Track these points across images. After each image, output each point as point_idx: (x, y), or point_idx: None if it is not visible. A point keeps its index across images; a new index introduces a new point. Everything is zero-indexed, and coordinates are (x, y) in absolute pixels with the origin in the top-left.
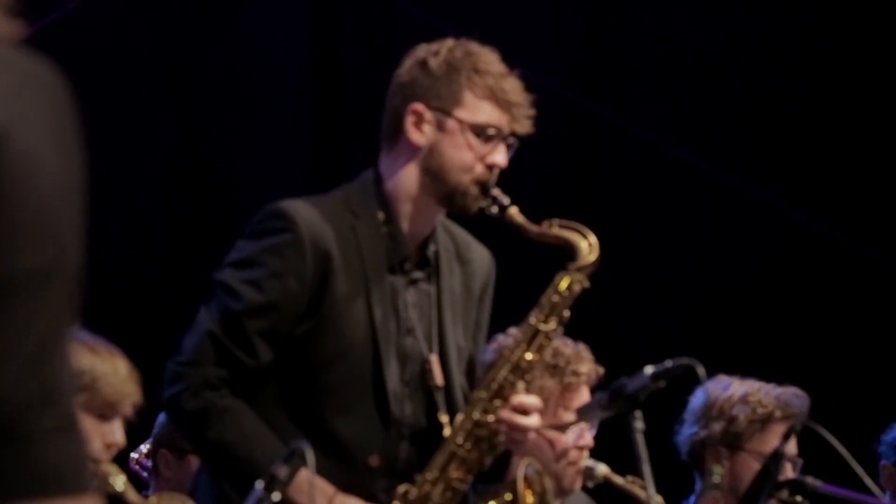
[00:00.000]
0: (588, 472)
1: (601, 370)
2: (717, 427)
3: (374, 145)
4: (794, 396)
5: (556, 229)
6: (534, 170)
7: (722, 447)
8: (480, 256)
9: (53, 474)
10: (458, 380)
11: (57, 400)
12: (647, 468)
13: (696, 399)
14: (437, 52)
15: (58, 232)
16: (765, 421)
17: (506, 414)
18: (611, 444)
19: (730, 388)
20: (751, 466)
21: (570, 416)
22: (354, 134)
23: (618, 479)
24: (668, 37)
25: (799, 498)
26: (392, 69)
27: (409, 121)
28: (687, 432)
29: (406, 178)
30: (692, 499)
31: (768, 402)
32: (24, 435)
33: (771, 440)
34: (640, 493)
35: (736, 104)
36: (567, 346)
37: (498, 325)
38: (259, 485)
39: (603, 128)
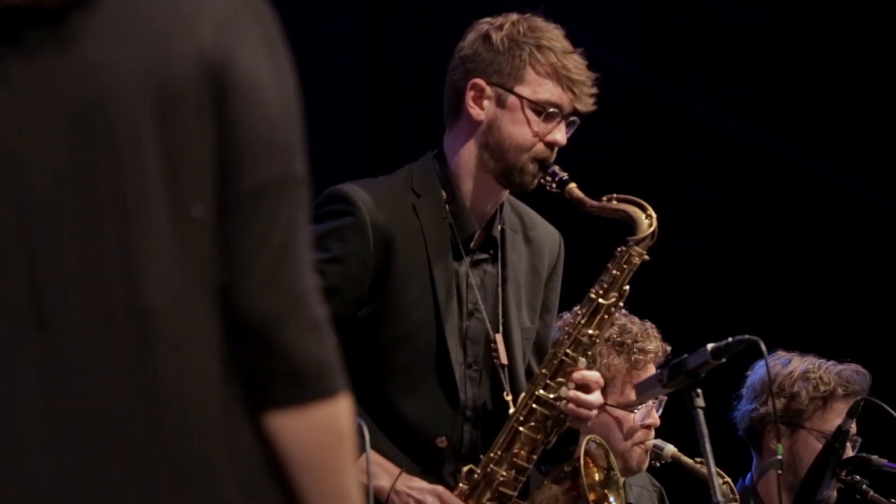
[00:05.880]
0: (656, 452)
1: (668, 348)
2: (778, 404)
3: (426, 121)
4: (855, 373)
5: (614, 203)
6: (589, 145)
7: (781, 424)
8: (549, 236)
9: (307, 378)
10: (522, 360)
11: (300, 304)
12: (707, 445)
13: (755, 375)
14: (500, 26)
15: (285, 144)
16: (826, 398)
17: (571, 392)
18: (670, 421)
19: (790, 365)
20: (810, 444)
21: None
22: (407, 110)
23: (686, 460)
24: (725, 10)
25: (858, 478)
26: (445, 43)
27: (470, 96)
28: (745, 408)
29: (466, 155)
30: (749, 476)
31: (829, 379)
32: (273, 343)
33: (831, 418)
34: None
35: (794, 77)
36: (634, 324)
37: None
38: None
39: (660, 102)
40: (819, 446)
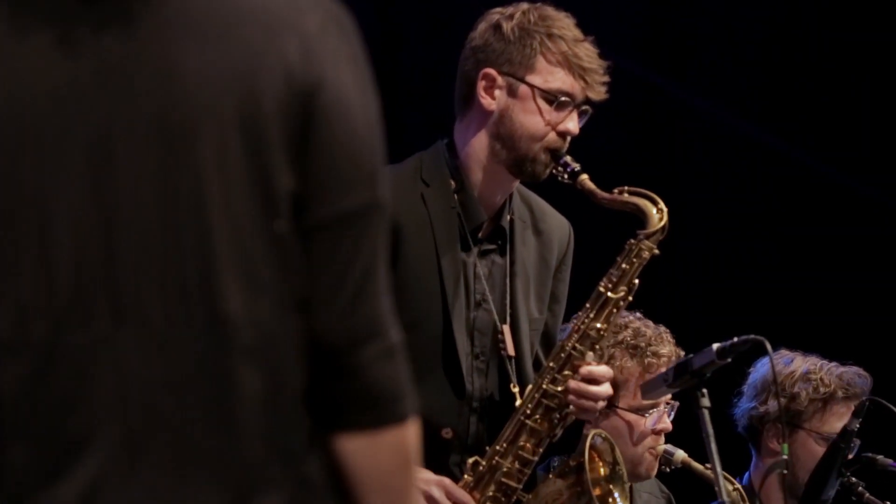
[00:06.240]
0: (666, 457)
1: (682, 353)
2: (777, 403)
3: (432, 118)
4: (856, 376)
5: (626, 196)
6: (591, 143)
7: (780, 424)
8: (558, 226)
9: (380, 403)
10: (529, 351)
11: (378, 331)
12: (713, 445)
13: (757, 373)
14: (510, 15)
15: (372, 169)
16: (826, 400)
17: (574, 383)
18: (680, 426)
19: (792, 365)
20: (808, 445)
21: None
22: (413, 108)
23: (696, 466)
24: (730, 7)
25: (854, 479)
26: (452, 42)
27: (481, 86)
28: (745, 406)
29: (477, 145)
30: (747, 475)
31: (830, 381)
32: (351, 369)
33: (830, 420)
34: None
35: (799, 75)
36: (648, 328)
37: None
38: None
39: (665, 99)
40: (817, 447)
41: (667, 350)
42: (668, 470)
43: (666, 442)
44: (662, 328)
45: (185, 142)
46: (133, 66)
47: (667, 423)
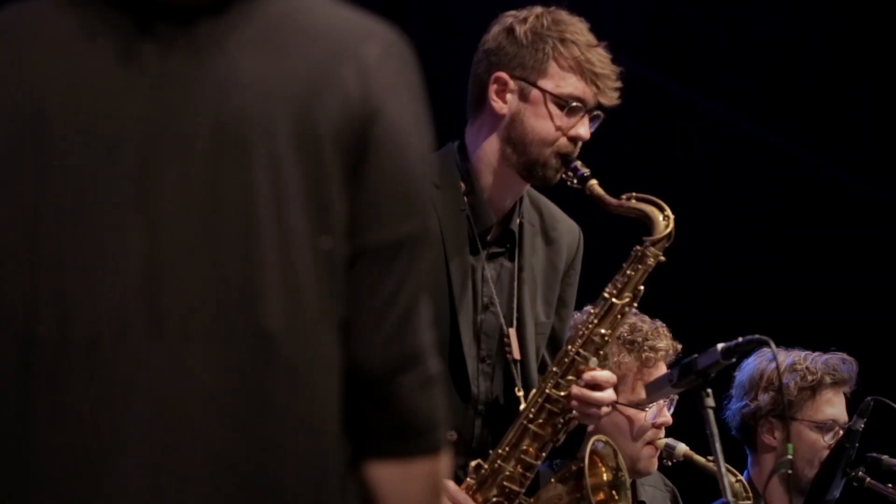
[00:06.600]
0: (668, 451)
1: (679, 346)
2: (767, 398)
3: (438, 119)
4: (841, 362)
5: (633, 202)
6: (596, 140)
7: (773, 418)
8: (568, 230)
9: (415, 433)
10: (535, 355)
11: (418, 361)
12: (718, 445)
13: (744, 373)
14: (524, 19)
15: (423, 198)
16: (815, 388)
17: (578, 389)
18: (681, 420)
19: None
20: (804, 435)
21: None
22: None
23: (698, 459)
24: (735, 9)
25: (860, 473)
26: (457, 42)
27: (493, 89)
28: (736, 406)
29: (488, 149)
30: (745, 473)
31: (816, 369)
32: (389, 397)
33: (821, 407)
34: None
35: (805, 77)
36: (645, 323)
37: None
38: None
39: (665, 98)
40: (812, 436)
41: (664, 344)
42: (669, 464)
43: (667, 436)
44: (659, 322)
45: (238, 153)
46: (192, 75)
47: (667, 417)
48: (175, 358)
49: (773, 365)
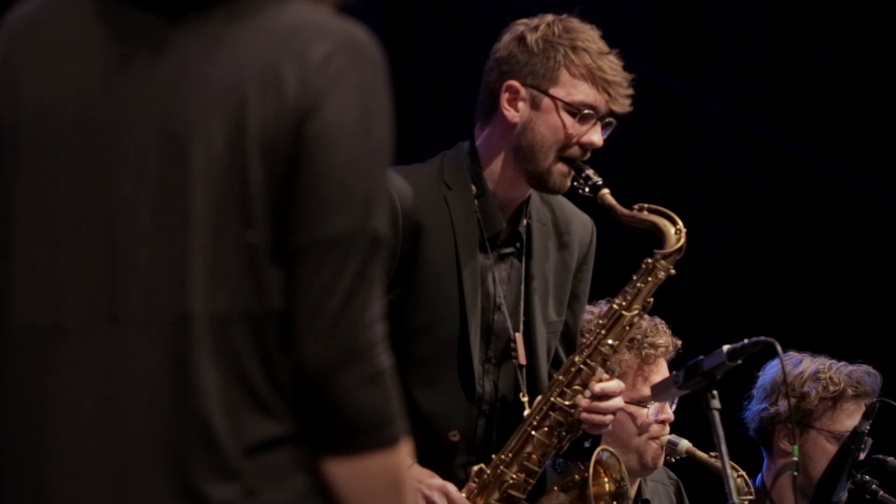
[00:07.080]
0: (671, 447)
1: (679, 343)
2: (787, 404)
3: (445, 120)
4: (866, 374)
5: (645, 213)
6: (604, 146)
7: (790, 424)
8: (580, 226)
9: (361, 430)
10: (545, 358)
11: (362, 357)
12: (723, 447)
13: (766, 375)
14: (535, 27)
15: (363, 198)
16: (836, 399)
17: (586, 402)
18: (684, 416)
19: (801, 365)
20: (819, 444)
21: (648, 389)
22: (426, 109)
23: (701, 455)
24: (741, 10)
25: (868, 478)
26: (463, 43)
27: (504, 97)
28: (756, 408)
29: (499, 156)
30: (759, 476)
31: (840, 380)
32: (330, 394)
33: (841, 418)
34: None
35: (811, 77)
36: (644, 320)
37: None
38: None
39: (677, 103)
40: (828, 446)
41: (664, 340)
42: (673, 459)
43: (670, 433)
44: (658, 319)
45: (180, 152)
46: (151, 77)
47: (669, 413)
48: (124, 342)
49: (798, 370)
